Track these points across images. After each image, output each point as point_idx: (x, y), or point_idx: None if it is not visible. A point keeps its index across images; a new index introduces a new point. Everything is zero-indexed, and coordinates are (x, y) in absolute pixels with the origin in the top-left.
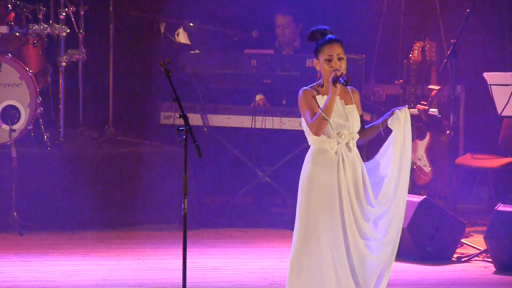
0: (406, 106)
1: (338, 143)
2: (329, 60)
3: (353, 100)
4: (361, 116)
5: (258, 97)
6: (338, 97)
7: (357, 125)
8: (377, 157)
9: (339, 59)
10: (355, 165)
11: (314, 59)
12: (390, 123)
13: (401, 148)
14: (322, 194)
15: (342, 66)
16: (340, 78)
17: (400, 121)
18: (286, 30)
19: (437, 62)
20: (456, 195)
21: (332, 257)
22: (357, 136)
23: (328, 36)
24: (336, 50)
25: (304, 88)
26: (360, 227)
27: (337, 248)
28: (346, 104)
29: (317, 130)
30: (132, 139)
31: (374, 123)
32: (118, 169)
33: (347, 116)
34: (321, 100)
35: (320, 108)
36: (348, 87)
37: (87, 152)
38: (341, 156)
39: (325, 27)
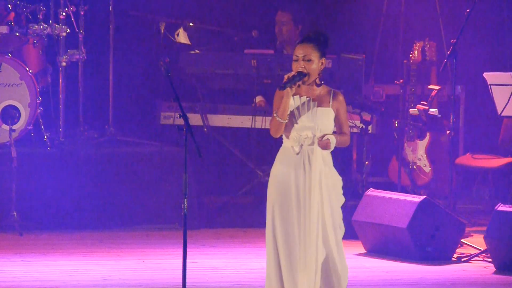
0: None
1: (301, 145)
2: (296, 61)
3: (332, 103)
4: (339, 120)
5: (258, 98)
6: (310, 99)
7: (325, 128)
8: None
9: (308, 60)
10: (319, 168)
11: None
12: None
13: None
14: (280, 193)
15: (307, 67)
16: (292, 80)
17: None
18: (284, 27)
19: (437, 62)
20: (456, 195)
21: (285, 255)
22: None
23: (304, 36)
24: (304, 51)
25: (279, 86)
26: (325, 230)
27: (289, 248)
28: (319, 106)
29: (273, 131)
30: (132, 139)
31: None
32: (118, 169)
33: (314, 118)
34: (292, 100)
35: (275, 111)
36: (334, 89)
37: (87, 152)
38: (305, 157)
39: (316, 29)
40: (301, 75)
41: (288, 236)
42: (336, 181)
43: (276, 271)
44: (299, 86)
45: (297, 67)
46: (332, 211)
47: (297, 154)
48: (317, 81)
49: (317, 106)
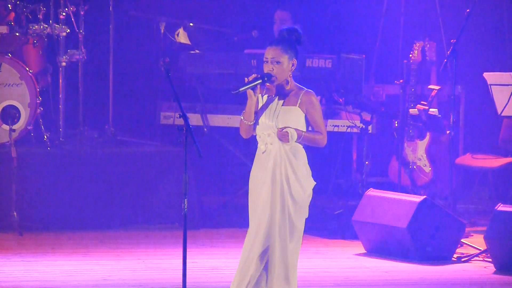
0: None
1: (266, 144)
2: (265, 63)
3: (300, 103)
4: (311, 120)
5: None
6: (276, 97)
7: (287, 127)
8: None
9: (276, 62)
10: (286, 167)
11: None
12: None
13: None
14: (252, 193)
15: (275, 70)
16: (249, 84)
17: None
18: (283, 26)
19: (437, 62)
20: (456, 195)
21: (249, 255)
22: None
23: (274, 38)
24: (273, 54)
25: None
26: (274, 233)
27: (254, 247)
28: (285, 105)
29: (241, 131)
30: (132, 139)
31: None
32: (118, 169)
33: (275, 117)
34: (261, 100)
35: (243, 112)
36: (305, 90)
37: (87, 152)
38: (271, 156)
39: (289, 28)
40: (264, 77)
41: (255, 236)
42: (302, 182)
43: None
44: (265, 87)
45: (266, 69)
46: (285, 217)
47: (263, 152)
48: (287, 82)
49: (283, 105)
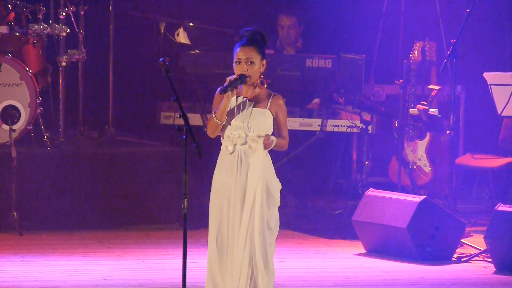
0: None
1: (235, 145)
2: (238, 63)
3: (270, 105)
4: (278, 123)
5: None
6: (246, 99)
7: (258, 129)
8: None
9: (250, 62)
10: (255, 169)
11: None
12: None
13: None
14: (216, 195)
15: (250, 70)
16: (234, 84)
17: None
18: (291, 31)
19: (437, 62)
20: (456, 195)
21: (217, 261)
22: (261, 140)
23: (243, 38)
24: (247, 54)
25: (220, 87)
26: (252, 233)
27: (221, 252)
28: (256, 107)
29: (210, 131)
30: (132, 139)
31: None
32: (118, 169)
33: (247, 119)
34: (233, 100)
35: (214, 111)
36: (274, 93)
37: (87, 152)
38: (238, 157)
39: (253, 28)
40: (242, 78)
41: (221, 240)
42: (273, 183)
43: (217, 271)
44: (239, 87)
45: (239, 70)
46: (263, 213)
47: (231, 153)
48: (258, 83)
49: (254, 107)
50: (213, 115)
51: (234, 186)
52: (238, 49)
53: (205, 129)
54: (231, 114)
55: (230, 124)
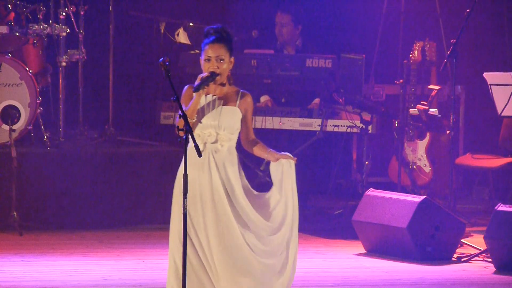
0: (295, 159)
1: (205, 143)
2: (207, 61)
3: (239, 103)
4: (245, 121)
5: (264, 98)
6: (216, 97)
7: (229, 127)
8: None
9: (220, 60)
10: (225, 167)
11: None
12: (272, 170)
13: (285, 204)
14: (181, 192)
15: (220, 68)
16: (206, 81)
17: (280, 174)
18: (284, 28)
19: (437, 62)
20: (456, 195)
21: (188, 259)
22: (231, 138)
23: (212, 36)
24: (216, 52)
25: (189, 85)
26: (229, 229)
27: (192, 251)
28: (225, 104)
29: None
30: (132, 139)
31: (268, 150)
32: (118, 169)
33: (218, 117)
34: (202, 99)
35: (185, 109)
36: (242, 90)
37: (87, 152)
38: (209, 156)
39: (218, 26)
40: (213, 75)
41: (190, 237)
42: (243, 178)
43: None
44: (208, 85)
45: (209, 67)
46: (247, 203)
47: (202, 151)
48: (226, 81)
49: (223, 105)
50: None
51: (204, 183)
52: (207, 46)
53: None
54: (200, 113)
55: (200, 123)
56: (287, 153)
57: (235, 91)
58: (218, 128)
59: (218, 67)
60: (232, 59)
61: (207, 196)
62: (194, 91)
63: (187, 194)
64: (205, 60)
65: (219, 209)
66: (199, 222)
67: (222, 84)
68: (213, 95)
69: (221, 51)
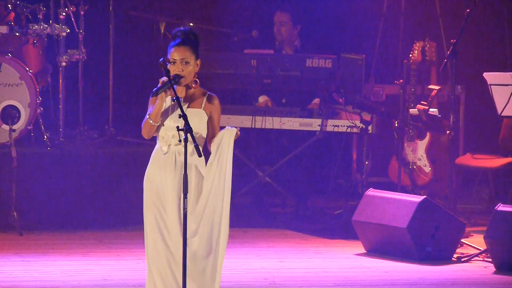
0: (238, 128)
1: (170, 145)
2: (173, 63)
3: (204, 106)
4: (212, 124)
5: (262, 98)
6: (181, 99)
7: (194, 128)
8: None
9: (186, 62)
10: (191, 169)
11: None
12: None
13: (216, 168)
14: (151, 194)
15: (185, 70)
16: (166, 85)
17: (221, 139)
18: (282, 28)
19: (437, 62)
20: (456, 195)
21: (153, 259)
22: (198, 141)
23: (178, 39)
24: (182, 54)
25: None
26: (194, 230)
27: (158, 251)
28: (190, 106)
29: (144, 132)
30: (132, 139)
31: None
32: (118, 169)
33: (180, 119)
34: (167, 101)
35: (148, 112)
36: (209, 93)
37: (87, 152)
38: (173, 157)
39: (186, 28)
40: (176, 78)
41: (160, 238)
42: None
43: (164, 270)
44: (169, 88)
45: (174, 70)
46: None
47: (165, 154)
48: (192, 83)
49: (188, 107)
50: (148, 116)
51: (170, 185)
52: (172, 49)
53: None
54: (165, 115)
55: (163, 125)
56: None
57: (202, 93)
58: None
59: (182, 70)
60: (198, 62)
61: (170, 196)
62: (152, 96)
63: (153, 191)
64: (171, 62)
65: (174, 211)
66: (163, 219)
67: (188, 87)
68: (178, 97)
69: (187, 53)
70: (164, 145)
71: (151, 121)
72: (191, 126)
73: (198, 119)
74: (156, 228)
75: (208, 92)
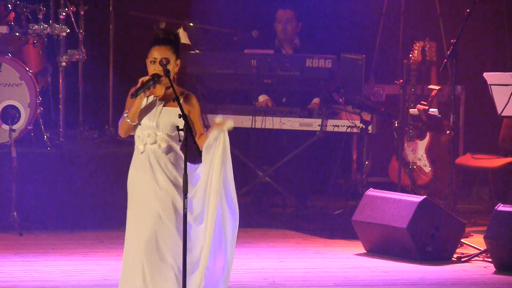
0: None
1: (145, 144)
2: (153, 63)
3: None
4: (191, 121)
5: (262, 98)
6: (157, 98)
7: (167, 127)
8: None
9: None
10: (168, 169)
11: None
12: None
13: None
14: (131, 195)
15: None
16: (146, 85)
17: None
18: (288, 25)
19: (437, 62)
20: (456, 195)
21: (134, 259)
22: (170, 139)
23: (158, 38)
24: (162, 54)
25: (134, 87)
26: (169, 232)
27: (139, 251)
28: (167, 106)
29: (121, 131)
30: (132, 139)
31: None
32: (118, 169)
33: (156, 118)
34: (144, 100)
35: (126, 111)
36: (186, 92)
37: (87, 152)
38: (150, 157)
39: (166, 28)
40: (156, 78)
41: (138, 239)
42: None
43: (135, 273)
44: (154, 87)
45: (155, 69)
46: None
47: (142, 153)
48: (172, 83)
49: (164, 106)
50: (125, 115)
51: (144, 183)
52: (152, 48)
53: (205, 129)
54: (141, 114)
55: (140, 124)
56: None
57: (180, 92)
58: (156, 129)
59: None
60: (178, 62)
61: (146, 196)
62: (132, 97)
63: (132, 192)
64: (150, 62)
65: (159, 208)
66: (134, 224)
67: (167, 86)
68: (155, 96)
69: (167, 53)
70: (140, 144)
71: (129, 120)
72: (165, 124)
73: (173, 117)
74: (132, 228)
75: (186, 91)
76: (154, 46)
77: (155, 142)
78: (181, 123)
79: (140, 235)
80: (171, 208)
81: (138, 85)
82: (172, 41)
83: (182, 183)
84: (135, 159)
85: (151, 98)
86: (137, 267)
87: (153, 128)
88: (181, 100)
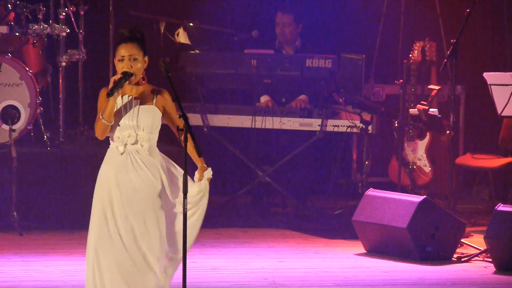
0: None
1: (125, 144)
2: (121, 61)
3: (155, 101)
4: (170, 116)
5: (264, 98)
6: (132, 97)
7: (147, 126)
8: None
9: (134, 59)
10: (152, 168)
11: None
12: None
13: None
14: (102, 194)
15: (134, 67)
16: (119, 84)
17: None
18: (286, 29)
19: (437, 62)
20: (456, 195)
21: (96, 260)
22: (151, 137)
23: (125, 36)
24: (130, 51)
25: (104, 87)
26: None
27: (104, 251)
28: (142, 104)
29: (98, 133)
30: None
31: (198, 158)
32: None
33: (135, 117)
34: (118, 100)
35: (101, 112)
36: (157, 88)
37: (87, 152)
38: (130, 157)
39: (132, 26)
40: (127, 75)
41: (101, 238)
42: (177, 169)
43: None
44: (129, 82)
45: (123, 67)
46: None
47: (122, 154)
48: (141, 80)
49: (140, 105)
50: (101, 117)
51: (123, 184)
52: (119, 46)
53: (205, 129)
54: (118, 114)
55: (119, 125)
56: (206, 172)
57: (151, 90)
58: (137, 129)
59: (131, 66)
60: (146, 59)
61: (124, 197)
62: (108, 96)
63: (104, 191)
64: (118, 60)
65: (137, 210)
66: (111, 221)
67: (137, 84)
68: (129, 96)
69: (134, 50)
70: (120, 145)
71: (105, 121)
72: (145, 123)
73: (152, 115)
74: (100, 225)
75: (158, 88)
76: (121, 44)
77: (136, 142)
78: (158, 121)
79: (123, 235)
80: (157, 205)
81: (111, 84)
82: (138, 39)
83: (163, 182)
84: (112, 158)
85: (125, 97)
86: (115, 268)
87: (133, 128)
88: (154, 96)
